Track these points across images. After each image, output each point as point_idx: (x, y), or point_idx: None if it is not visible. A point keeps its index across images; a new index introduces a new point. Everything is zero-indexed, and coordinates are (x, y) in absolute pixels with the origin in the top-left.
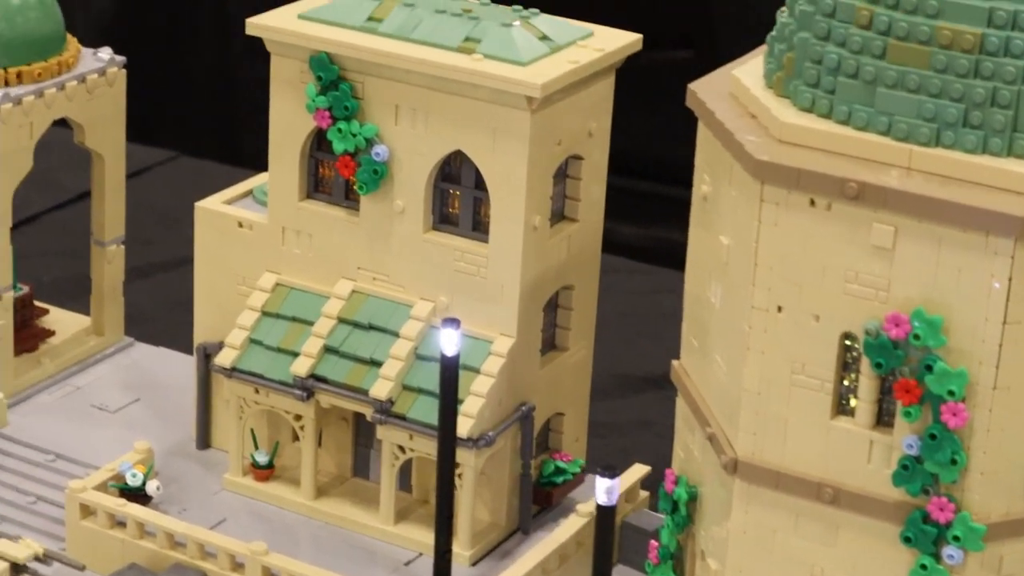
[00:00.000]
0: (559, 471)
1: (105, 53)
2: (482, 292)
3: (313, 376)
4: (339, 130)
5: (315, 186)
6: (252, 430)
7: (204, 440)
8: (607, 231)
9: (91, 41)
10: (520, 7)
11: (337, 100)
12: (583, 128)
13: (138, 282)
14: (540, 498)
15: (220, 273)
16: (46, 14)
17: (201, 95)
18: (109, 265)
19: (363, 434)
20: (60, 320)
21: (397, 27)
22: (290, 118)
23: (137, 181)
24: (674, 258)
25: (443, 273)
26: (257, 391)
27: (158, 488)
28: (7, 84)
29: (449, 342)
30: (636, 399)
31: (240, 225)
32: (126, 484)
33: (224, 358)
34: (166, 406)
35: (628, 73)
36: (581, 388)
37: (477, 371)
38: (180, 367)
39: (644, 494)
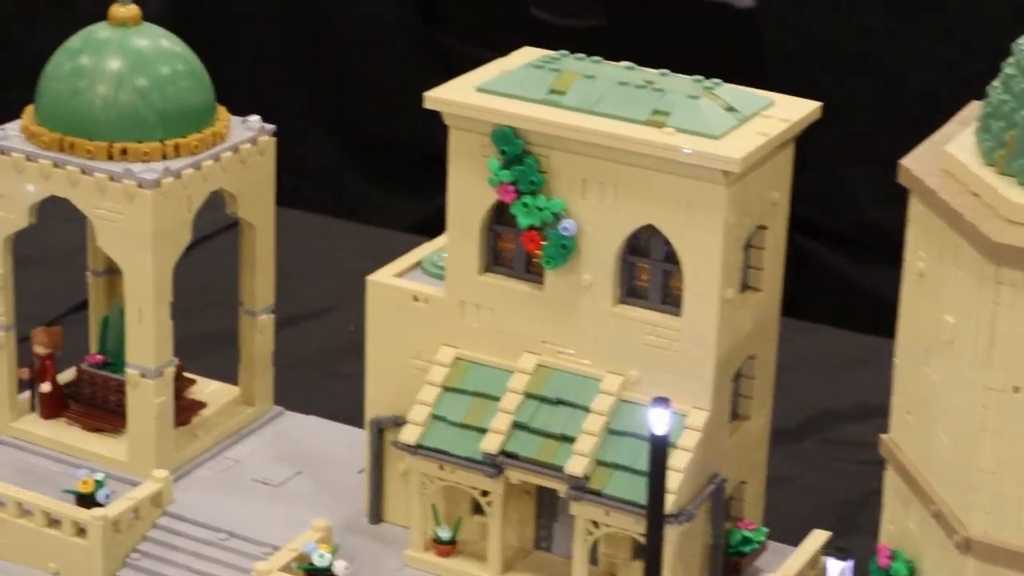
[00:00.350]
0: (746, 540)
1: (255, 121)
2: (674, 365)
3: (503, 452)
4: (524, 204)
5: (494, 259)
6: (433, 506)
7: (376, 514)
8: None
9: None
10: (701, 77)
11: (522, 174)
12: (768, 198)
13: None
14: (728, 569)
15: (393, 347)
16: (199, 83)
17: None
18: (260, 335)
19: (545, 507)
20: (206, 390)
21: (581, 100)
22: (470, 192)
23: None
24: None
25: (632, 347)
26: (441, 467)
27: (346, 568)
28: (164, 157)
29: (659, 421)
30: (772, 453)
31: (416, 299)
32: (312, 565)
33: (408, 435)
34: (328, 479)
35: None
36: (761, 455)
37: (673, 446)
38: (334, 437)
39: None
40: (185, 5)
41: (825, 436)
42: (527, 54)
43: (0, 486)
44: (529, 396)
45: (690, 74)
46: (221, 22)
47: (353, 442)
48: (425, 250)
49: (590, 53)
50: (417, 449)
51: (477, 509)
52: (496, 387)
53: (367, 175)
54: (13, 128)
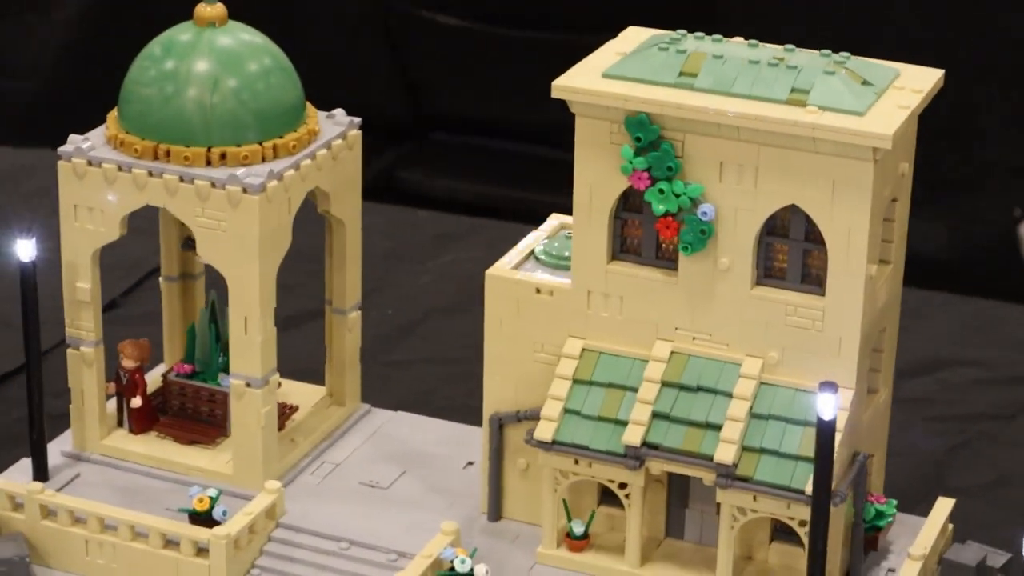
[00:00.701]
0: (880, 514)
1: (342, 116)
2: (817, 345)
3: (645, 444)
4: (660, 191)
5: (620, 247)
6: (564, 500)
7: (496, 512)
8: None
9: None
10: (829, 52)
11: (658, 160)
12: (899, 170)
13: (292, 332)
14: (866, 544)
15: (514, 341)
16: (289, 80)
17: None
18: (349, 333)
19: (675, 494)
20: (293, 392)
21: (714, 82)
22: (599, 180)
23: None
24: None
25: (772, 328)
26: (576, 462)
27: (487, 572)
28: (263, 160)
29: (827, 406)
30: None
31: (538, 291)
32: (453, 570)
33: (543, 431)
34: (434, 477)
35: None
36: (884, 427)
37: None
38: (427, 432)
39: (950, 527)
40: None
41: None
42: (637, 34)
43: (108, 509)
44: (667, 384)
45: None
46: None
47: (446, 436)
48: (533, 239)
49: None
50: (552, 445)
51: (602, 500)
52: (630, 377)
53: None
54: (97, 137)
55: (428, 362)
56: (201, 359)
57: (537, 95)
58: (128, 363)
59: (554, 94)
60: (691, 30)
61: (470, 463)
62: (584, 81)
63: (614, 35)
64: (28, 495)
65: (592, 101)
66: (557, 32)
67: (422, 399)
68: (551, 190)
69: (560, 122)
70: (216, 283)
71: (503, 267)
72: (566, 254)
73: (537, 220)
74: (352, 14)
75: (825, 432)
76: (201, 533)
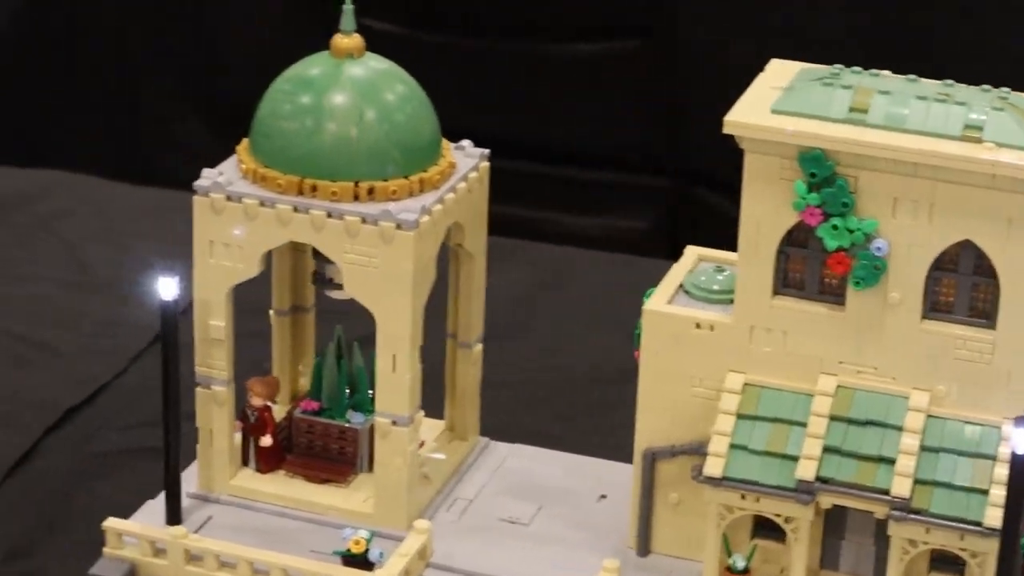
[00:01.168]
0: None
1: (471, 147)
2: (986, 378)
3: (818, 478)
4: (833, 227)
5: (783, 282)
6: (725, 535)
7: (645, 547)
8: None
9: None
10: (988, 86)
11: (832, 197)
12: None
13: None
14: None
15: (671, 376)
16: (428, 111)
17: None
18: (473, 367)
19: (832, 525)
20: None
21: (887, 117)
22: (767, 216)
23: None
24: None
25: (941, 362)
26: (743, 497)
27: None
28: (411, 194)
29: (1022, 441)
30: None
31: (698, 326)
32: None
33: (712, 467)
34: (572, 512)
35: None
36: None
37: (994, 459)
38: (550, 465)
39: None
40: None
41: None
42: (784, 67)
43: (256, 552)
44: (835, 418)
45: None
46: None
47: (571, 469)
48: (676, 272)
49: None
50: (722, 480)
51: (755, 533)
52: (795, 412)
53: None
54: (229, 169)
55: (494, 387)
56: (329, 395)
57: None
58: (257, 401)
59: (726, 130)
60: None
61: (603, 496)
62: (756, 117)
63: (533, 40)
64: (172, 540)
65: (766, 137)
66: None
67: (503, 426)
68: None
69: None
70: (339, 316)
71: (659, 301)
72: (715, 287)
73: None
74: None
75: (1019, 466)
76: None
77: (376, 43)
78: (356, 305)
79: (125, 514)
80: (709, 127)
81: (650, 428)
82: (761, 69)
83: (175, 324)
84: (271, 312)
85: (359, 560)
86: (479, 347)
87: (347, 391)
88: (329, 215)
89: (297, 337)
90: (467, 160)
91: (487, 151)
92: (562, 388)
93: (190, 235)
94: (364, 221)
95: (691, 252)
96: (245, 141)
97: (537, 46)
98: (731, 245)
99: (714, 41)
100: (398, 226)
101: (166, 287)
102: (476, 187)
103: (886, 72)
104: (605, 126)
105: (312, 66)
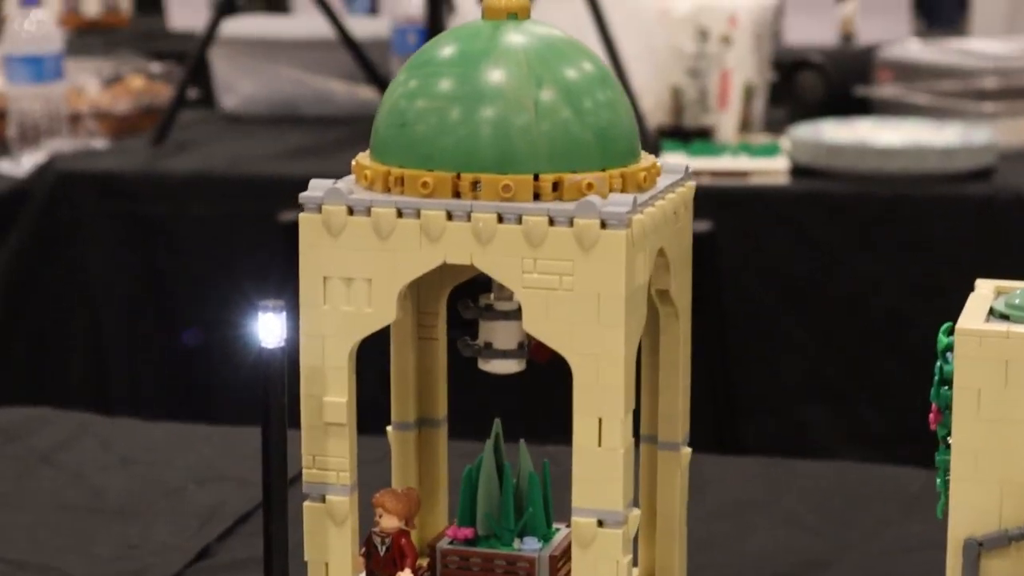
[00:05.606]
0: None
1: (674, 158)
2: None
3: None
4: None
5: None
6: None
7: None
8: None
9: None
10: None
11: None
12: None
13: None
14: None
15: (1000, 421)
16: (618, 89)
17: None
18: (681, 478)
19: None
20: None
21: None
22: None
23: None
24: None
25: None
26: None
27: None
28: (611, 189)
29: None
30: None
31: None
32: None
33: None
34: None
35: None
36: None
37: None
38: None
39: None
40: None
41: None
42: None
43: None
44: None
45: None
46: None
47: None
48: (980, 301)
49: None
50: None
51: None
52: None
53: None
54: (346, 184)
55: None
56: (488, 516)
57: None
58: (389, 523)
59: None
60: None
61: None
62: None
63: None
64: None
65: None
66: None
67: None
68: None
69: None
70: (496, 399)
71: (974, 319)
72: None
73: None
74: None
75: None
76: None
77: None
78: (523, 383)
79: None
80: None
81: (970, 504)
82: None
83: (283, 388)
84: (388, 429)
85: None
86: (687, 450)
87: (513, 509)
88: (500, 218)
89: (426, 461)
90: (668, 175)
91: (689, 166)
92: None
93: None
94: (552, 221)
95: (983, 284)
96: (361, 155)
97: None
98: None
99: None
100: (603, 224)
101: (268, 328)
102: (682, 212)
103: None
104: None
105: (464, 33)
